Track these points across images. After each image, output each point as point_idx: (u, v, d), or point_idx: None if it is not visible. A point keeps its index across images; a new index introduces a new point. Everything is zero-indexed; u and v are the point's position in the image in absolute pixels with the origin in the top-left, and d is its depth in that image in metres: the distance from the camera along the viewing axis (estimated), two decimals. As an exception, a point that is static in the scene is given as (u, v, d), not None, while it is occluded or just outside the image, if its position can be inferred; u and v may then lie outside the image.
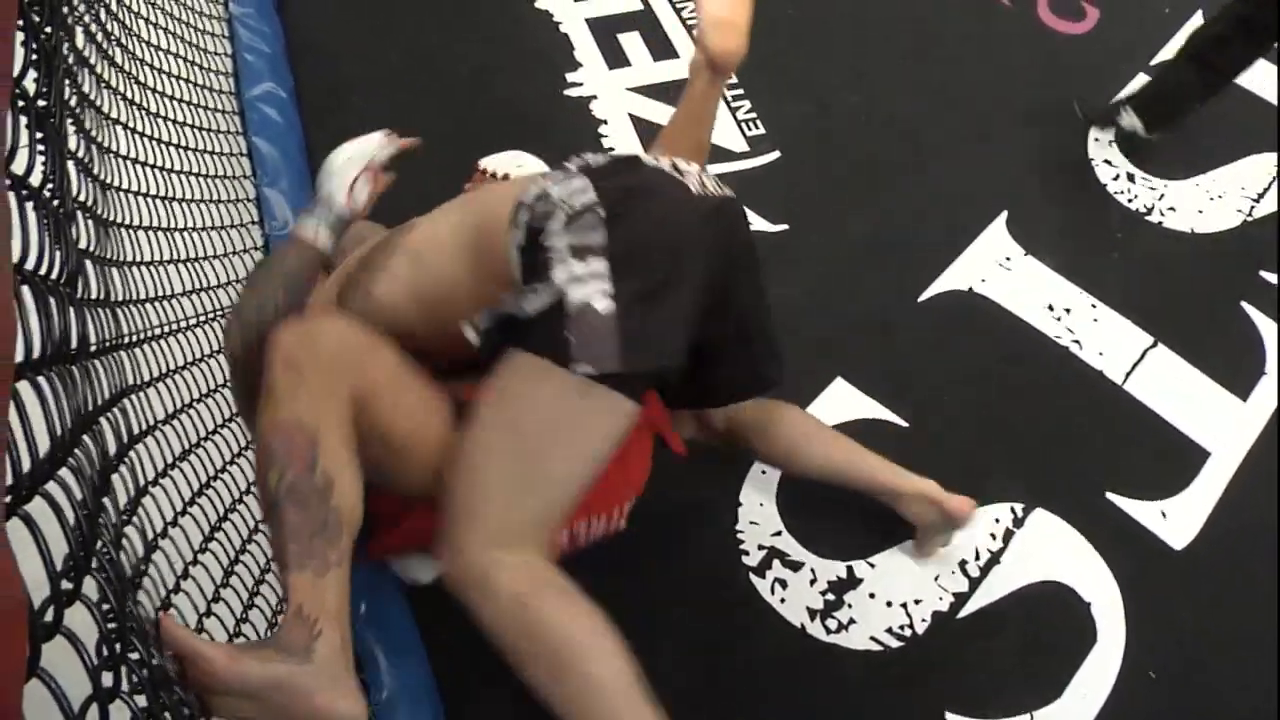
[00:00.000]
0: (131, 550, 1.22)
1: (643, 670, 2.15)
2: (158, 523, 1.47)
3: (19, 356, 0.86)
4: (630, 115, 3.19)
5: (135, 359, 1.57)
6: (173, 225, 2.17)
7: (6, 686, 0.70)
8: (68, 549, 0.88)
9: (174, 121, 2.50)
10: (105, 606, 0.94)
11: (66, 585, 0.85)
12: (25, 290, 0.94)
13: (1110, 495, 2.44)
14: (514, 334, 1.51)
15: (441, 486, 1.54)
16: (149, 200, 2.09)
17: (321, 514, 1.41)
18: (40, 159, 1.15)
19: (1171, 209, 2.98)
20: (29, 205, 1.05)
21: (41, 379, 0.91)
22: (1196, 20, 3.48)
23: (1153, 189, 3.02)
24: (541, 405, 1.50)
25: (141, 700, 0.94)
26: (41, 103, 1.24)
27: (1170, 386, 2.62)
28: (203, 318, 2.10)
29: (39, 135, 1.15)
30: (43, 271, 1.05)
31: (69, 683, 0.83)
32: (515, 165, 2.32)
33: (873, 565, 2.31)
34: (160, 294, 1.90)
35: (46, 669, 0.79)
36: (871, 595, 2.30)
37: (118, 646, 0.91)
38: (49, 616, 0.82)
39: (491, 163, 2.32)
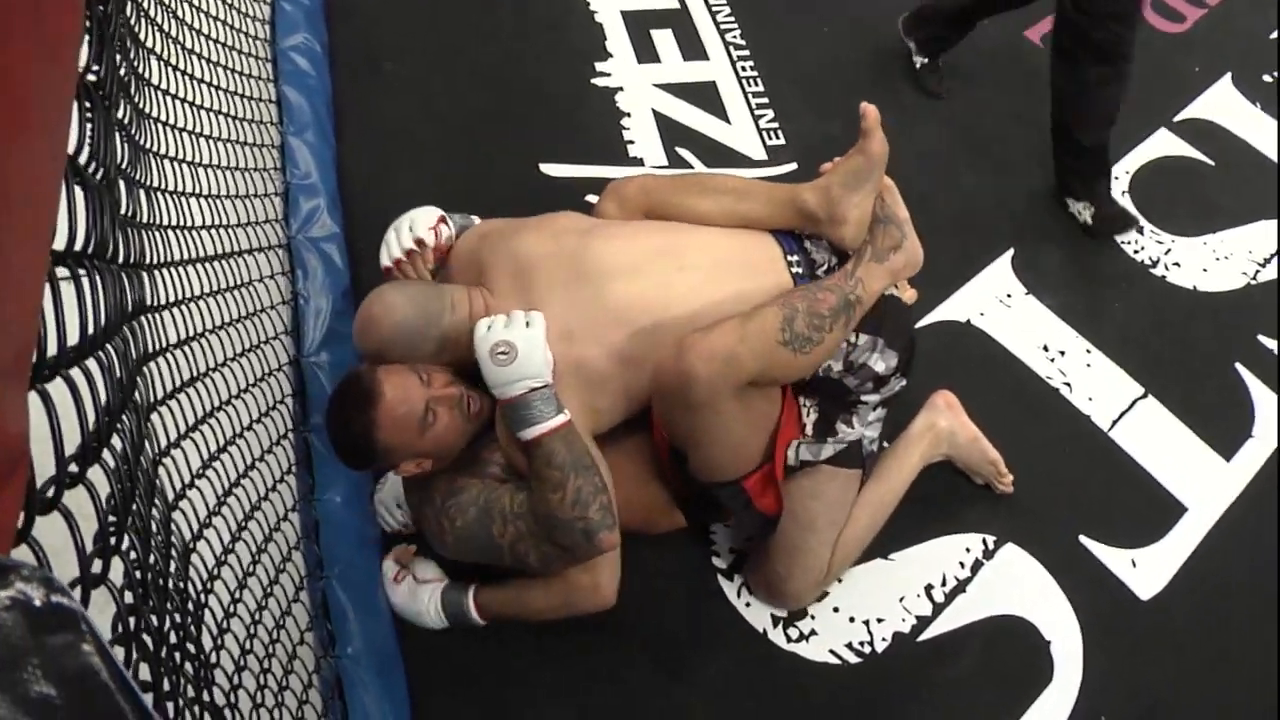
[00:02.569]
0: (148, 460, 1.24)
1: (603, 657, 2.18)
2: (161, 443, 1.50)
3: (60, 244, 0.88)
4: (654, 111, 3.21)
5: (155, 282, 1.59)
6: (197, 160, 2.19)
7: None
8: (80, 439, 0.90)
9: (204, 59, 2.52)
10: (110, 501, 0.95)
11: (73, 470, 0.86)
12: (77, 190, 0.96)
13: (1083, 538, 2.46)
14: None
15: None
16: (175, 131, 2.11)
17: None
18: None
19: (1177, 264, 3.00)
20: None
21: (82, 271, 0.93)
22: (1225, 82, 3.50)
23: (1160, 243, 3.04)
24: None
25: (129, 598, 0.96)
26: (91, 76, 1.27)
27: (1155, 438, 2.64)
28: (222, 253, 2.12)
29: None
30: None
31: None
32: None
33: (840, 580, 2.34)
34: (181, 224, 1.92)
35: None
36: (835, 609, 2.32)
37: (113, 540, 0.93)
38: (50, 493, 0.84)
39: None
